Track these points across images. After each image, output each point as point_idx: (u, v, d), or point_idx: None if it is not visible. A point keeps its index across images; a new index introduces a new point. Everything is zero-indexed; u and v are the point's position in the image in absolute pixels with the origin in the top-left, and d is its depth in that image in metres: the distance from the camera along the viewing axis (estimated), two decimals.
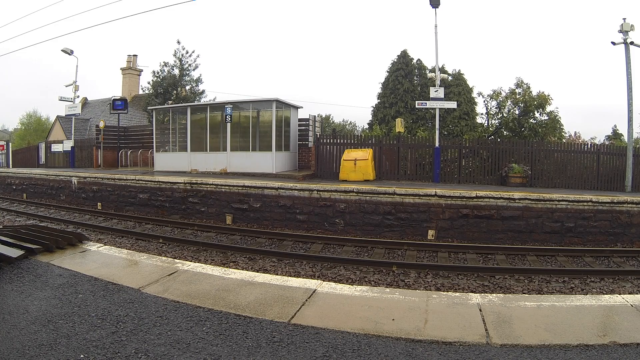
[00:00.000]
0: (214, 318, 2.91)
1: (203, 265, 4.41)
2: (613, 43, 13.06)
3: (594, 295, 3.89)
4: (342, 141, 14.48)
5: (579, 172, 13.20)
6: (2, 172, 19.99)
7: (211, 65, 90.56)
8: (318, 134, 15.84)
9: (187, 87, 22.22)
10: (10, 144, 27.41)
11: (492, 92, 20.38)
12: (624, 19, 12.77)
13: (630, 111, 12.96)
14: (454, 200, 9.70)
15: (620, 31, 12.83)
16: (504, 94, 20.01)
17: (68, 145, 21.36)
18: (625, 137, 15.06)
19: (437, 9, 13.62)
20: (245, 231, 10.12)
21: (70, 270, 3.90)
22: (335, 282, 6.37)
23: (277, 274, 6.64)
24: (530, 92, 19.51)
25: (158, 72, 21.99)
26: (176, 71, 21.97)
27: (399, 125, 15.53)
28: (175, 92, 21.73)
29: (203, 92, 22.75)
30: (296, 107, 15.81)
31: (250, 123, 14.88)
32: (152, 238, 9.56)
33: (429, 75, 17.19)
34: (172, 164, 16.01)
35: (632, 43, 12.81)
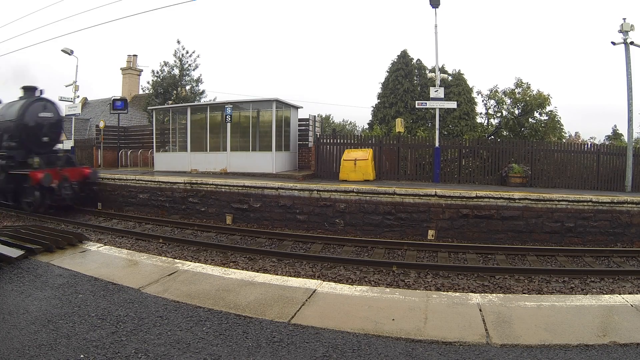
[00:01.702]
0: (214, 318, 2.91)
1: (203, 265, 4.42)
2: (613, 43, 13.06)
3: (594, 295, 3.90)
4: (342, 141, 14.48)
5: (579, 172, 13.20)
6: None
7: (211, 65, 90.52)
8: (318, 134, 15.83)
9: (187, 87, 22.23)
10: None
11: (489, 92, 20.39)
12: (624, 19, 12.78)
13: (630, 111, 12.96)
14: (454, 200, 9.70)
15: (620, 31, 12.82)
16: (500, 92, 19.99)
17: (68, 145, 21.33)
18: (625, 137, 15.07)
19: (437, 9, 13.62)
20: (245, 231, 10.12)
21: (70, 270, 3.90)
22: (335, 282, 6.37)
23: (277, 274, 6.63)
24: (531, 91, 19.50)
25: (158, 72, 22.00)
26: (176, 71, 21.97)
27: (399, 125, 15.52)
28: (175, 92, 21.73)
29: (203, 92, 22.77)
30: (296, 107, 15.81)
31: (250, 123, 14.88)
32: (152, 238, 9.56)
33: (429, 75, 17.19)
34: (172, 164, 16.00)
35: (632, 43, 12.80)
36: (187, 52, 22.00)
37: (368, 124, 24.53)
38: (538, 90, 19.42)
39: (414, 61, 22.47)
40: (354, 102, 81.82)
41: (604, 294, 6.16)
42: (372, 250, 8.62)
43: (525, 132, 19.24)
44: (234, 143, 14.92)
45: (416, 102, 16.01)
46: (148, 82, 22.88)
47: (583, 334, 2.63)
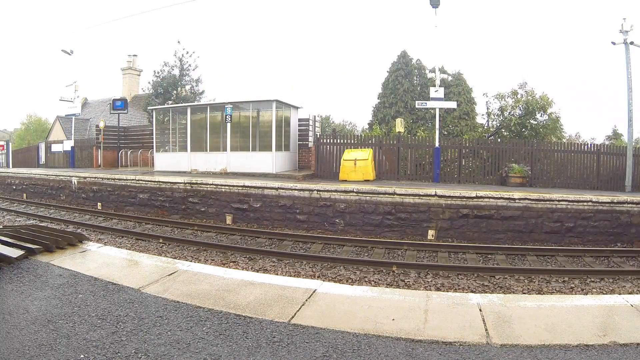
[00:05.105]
0: (214, 318, 2.91)
1: (203, 265, 4.42)
2: (613, 43, 13.07)
3: (594, 295, 3.90)
4: (342, 141, 14.48)
5: (579, 172, 13.21)
6: (2, 172, 19.99)
7: (212, 65, 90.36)
8: (318, 134, 15.84)
9: (187, 87, 22.23)
10: (10, 144, 27.42)
11: (497, 94, 20.53)
12: (624, 19, 12.78)
13: (630, 111, 12.97)
14: (454, 200, 9.70)
15: (621, 31, 12.83)
16: (507, 96, 20.15)
17: (68, 145, 21.37)
18: (625, 137, 15.06)
19: (437, 8, 13.62)
20: (245, 231, 10.12)
21: (70, 270, 3.90)
22: (335, 282, 6.38)
23: (277, 274, 6.64)
24: (535, 94, 19.61)
25: (158, 72, 22.01)
26: (176, 71, 21.98)
27: (399, 126, 15.53)
28: (175, 92, 21.74)
29: (203, 92, 22.78)
30: (296, 107, 15.81)
31: (250, 123, 14.88)
32: (152, 238, 9.56)
33: (429, 75, 17.18)
34: (172, 164, 16.00)
35: (632, 43, 12.81)
36: (187, 52, 22.03)
37: (368, 124, 24.52)
38: (543, 92, 19.58)
39: (414, 61, 22.46)
40: (354, 102, 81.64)
41: (604, 294, 6.16)
42: (372, 250, 8.62)
43: (526, 133, 19.27)
44: (234, 143, 14.92)
45: (416, 102, 15.99)
46: (148, 82, 22.91)
47: (583, 334, 2.63)
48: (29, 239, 4.68)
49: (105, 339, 2.59)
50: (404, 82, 21.68)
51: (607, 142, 23.13)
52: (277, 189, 10.93)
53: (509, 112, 20.21)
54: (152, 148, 17.67)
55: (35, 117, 42.86)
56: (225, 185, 11.56)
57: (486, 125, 21.79)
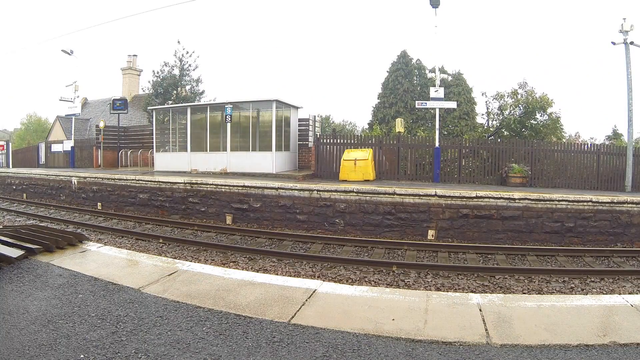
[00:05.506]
0: (214, 318, 2.91)
1: (203, 265, 4.42)
2: (613, 43, 13.07)
3: (594, 295, 3.89)
4: (342, 141, 14.48)
5: (579, 172, 13.21)
6: (2, 172, 19.99)
7: (211, 65, 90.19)
8: (318, 134, 15.84)
9: (187, 87, 22.24)
10: (10, 144, 27.43)
11: (495, 94, 20.55)
12: (624, 19, 12.78)
13: (630, 111, 12.97)
14: (454, 200, 9.70)
15: (621, 31, 12.83)
16: (506, 96, 20.18)
17: (68, 145, 21.38)
18: (625, 137, 15.06)
19: (437, 9, 13.62)
20: (245, 231, 10.13)
21: (70, 270, 3.90)
22: (335, 282, 6.38)
23: (277, 274, 6.64)
24: (535, 94, 19.63)
25: (158, 72, 22.03)
26: (176, 71, 21.98)
27: (399, 126, 15.53)
28: (175, 92, 21.74)
29: (203, 92, 22.80)
30: (296, 107, 15.81)
31: (250, 123, 14.89)
32: (152, 238, 9.56)
33: (429, 75, 17.21)
34: (172, 164, 16.01)
35: (632, 43, 12.81)
36: (187, 52, 22.04)
37: (368, 124, 24.53)
38: (543, 92, 19.60)
39: (414, 61, 22.47)
40: (354, 102, 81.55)
41: (604, 294, 6.16)
42: (372, 250, 8.62)
43: (526, 133, 19.28)
44: (234, 143, 14.92)
45: (416, 102, 15.99)
46: (148, 82, 22.92)
47: (583, 334, 2.63)
48: (29, 239, 4.68)
49: (105, 339, 2.59)
50: (404, 82, 21.69)
51: (607, 142, 23.10)
52: (277, 189, 10.93)
53: (509, 112, 20.26)
54: (152, 148, 17.67)
55: (35, 117, 42.96)
56: (225, 185, 11.56)
57: (486, 125, 21.82)
